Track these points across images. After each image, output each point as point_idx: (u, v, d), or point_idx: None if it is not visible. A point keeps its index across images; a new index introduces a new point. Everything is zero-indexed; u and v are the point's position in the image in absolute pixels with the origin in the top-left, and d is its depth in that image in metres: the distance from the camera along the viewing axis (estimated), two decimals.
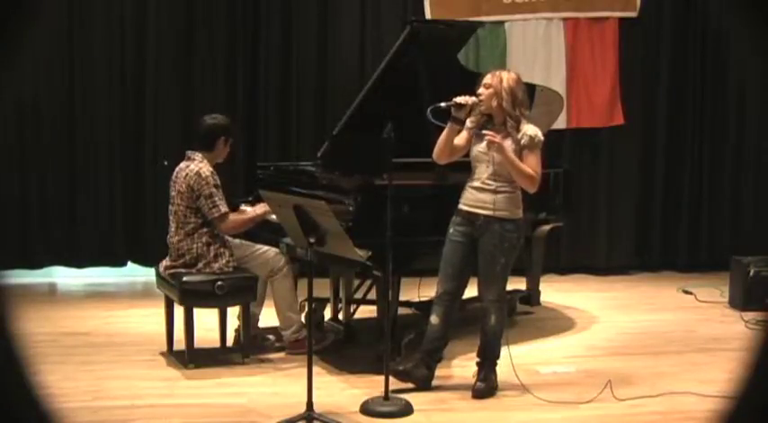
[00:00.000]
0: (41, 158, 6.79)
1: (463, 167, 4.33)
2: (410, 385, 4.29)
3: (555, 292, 6.53)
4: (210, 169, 4.72)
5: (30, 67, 6.51)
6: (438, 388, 4.36)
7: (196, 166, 4.71)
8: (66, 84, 6.81)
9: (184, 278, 4.64)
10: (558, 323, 5.79)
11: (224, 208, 4.69)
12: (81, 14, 6.79)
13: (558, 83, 6.96)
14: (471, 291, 4.42)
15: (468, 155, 4.27)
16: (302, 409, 3.80)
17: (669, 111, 7.50)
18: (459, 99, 4.10)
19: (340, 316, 5.35)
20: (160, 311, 4.97)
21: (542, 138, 4.20)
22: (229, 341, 5.03)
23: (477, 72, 5.21)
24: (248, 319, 4.79)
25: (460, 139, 4.24)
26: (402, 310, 5.01)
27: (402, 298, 4.98)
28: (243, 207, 5.09)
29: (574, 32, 7.26)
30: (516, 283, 5.59)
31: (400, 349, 4.58)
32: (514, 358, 4.38)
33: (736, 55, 7.37)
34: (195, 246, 4.70)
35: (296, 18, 7.06)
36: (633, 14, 7.33)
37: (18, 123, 6.69)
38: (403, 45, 5.00)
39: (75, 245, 6.89)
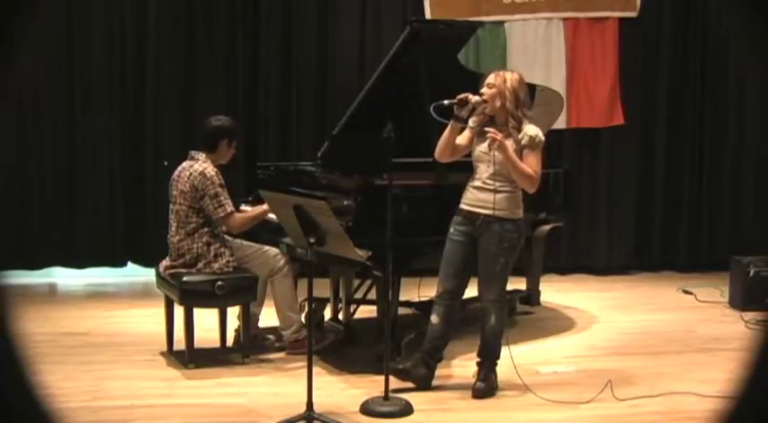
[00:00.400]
0: (41, 158, 6.79)
1: (464, 167, 4.33)
2: (410, 385, 4.29)
3: (555, 292, 6.53)
4: (215, 169, 4.73)
5: (30, 67, 6.50)
6: (438, 388, 4.36)
7: (200, 165, 4.71)
8: (66, 84, 6.81)
9: (184, 278, 4.64)
10: (558, 323, 5.79)
11: (230, 207, 4.70)
12: (81, 14, 6.79)
13: (558, 83, 6.96)
14: (471, 291, 4.42)
15: (469, 155, 4.28)
16: (302, 409, 3.80)
17: (669, 111, 7.50)
18: (463, 95, 4.09)
19: (340, 316, 5.35)
20: (160, 311, 4.98)
21: (543, 138, 4.19)
22: (229, 341, 5.03)
23: (478, 72, 5.21)
24: (248, 319, 4.79)
25: (463, 139, 4.24)
26: (402, 310, 5.00)
27: (402, 298, 4.97)
28: (243, 207, 5.09)
29: (574, 32, 7.26)
30: (516, 283, 5.59)
31: (400, 349, 4.58)
32: (515, 358, 4.37)
33: (736, 55, 7.36)
34: (195, 245, 4.70)
35: (296, 18, 7.06)
36: (633, 14, 7.34)
37: (18, 123, 6.68)
38: (403, 45, 4.99)
39: (75, 245, 6.89)
